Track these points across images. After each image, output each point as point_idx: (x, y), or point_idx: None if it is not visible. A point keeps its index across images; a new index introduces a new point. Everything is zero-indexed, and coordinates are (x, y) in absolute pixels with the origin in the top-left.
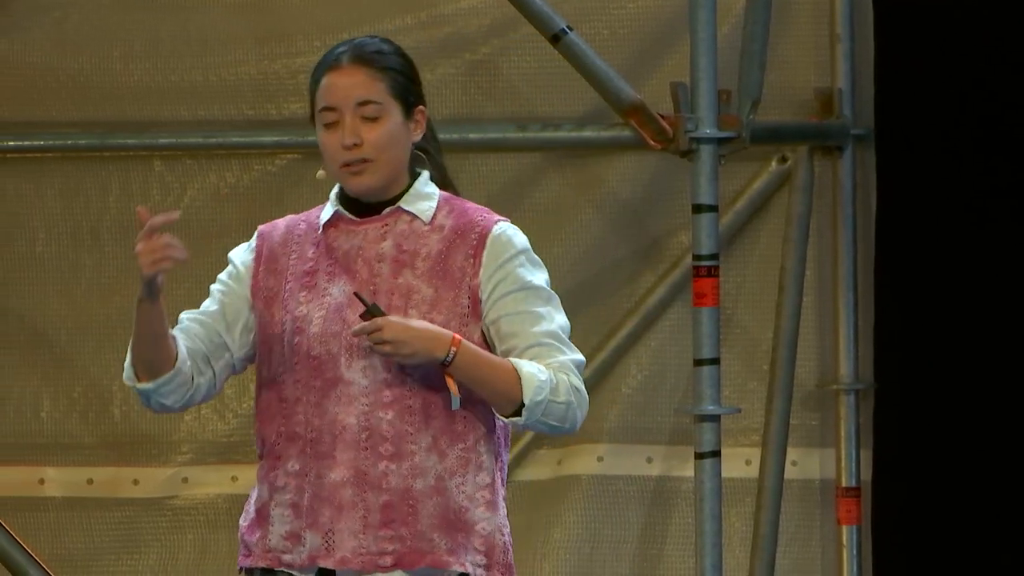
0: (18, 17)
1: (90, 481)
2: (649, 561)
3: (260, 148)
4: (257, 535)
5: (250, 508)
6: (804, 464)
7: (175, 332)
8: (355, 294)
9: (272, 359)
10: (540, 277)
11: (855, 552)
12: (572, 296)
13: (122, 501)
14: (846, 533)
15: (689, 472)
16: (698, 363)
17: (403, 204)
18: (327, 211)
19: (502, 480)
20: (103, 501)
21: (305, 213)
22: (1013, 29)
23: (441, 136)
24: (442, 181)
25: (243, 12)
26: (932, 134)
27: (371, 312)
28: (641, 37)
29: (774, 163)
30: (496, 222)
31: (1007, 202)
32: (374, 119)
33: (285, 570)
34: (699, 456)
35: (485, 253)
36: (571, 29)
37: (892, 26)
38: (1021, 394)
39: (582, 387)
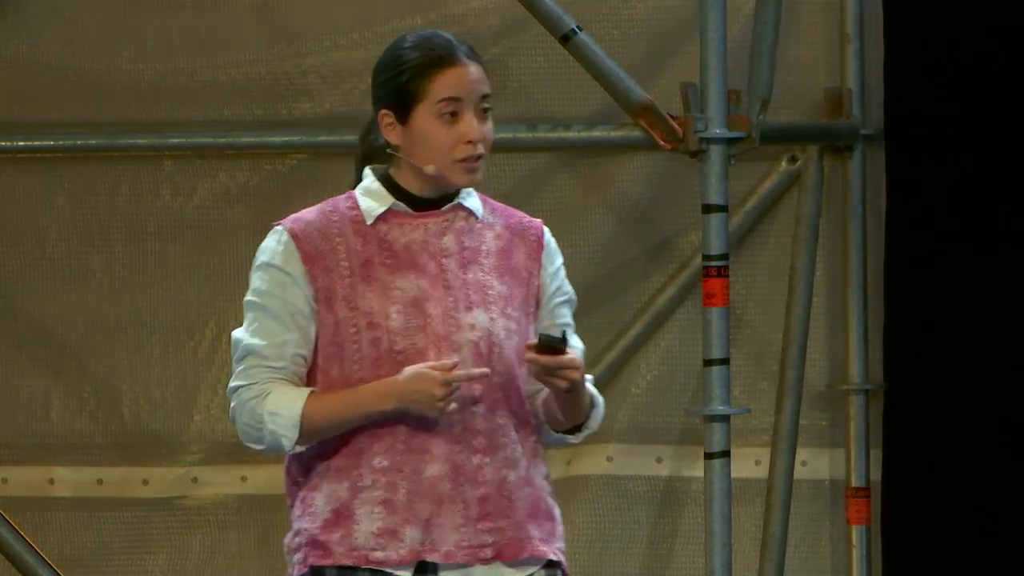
0: (28, 18)
1: (100, 481)
2: (659, 561)
3: (270, 148)
4: (338, 534)
5: (318, 509)
6: (814, 464)
7: (288, 378)
8: (544, 337)
9: (344, 358)
10: None
11: (865, 552)
12: (581, 296)
13: (132, 501)
14: (856, 533)
15: (699, 472)
16: (708, 363)
17: (462, 200)
18: (373, 204)
19: None
20: (113, 501)
21: (328, 203)
22: (1022, 29)
23: None
24: None
25: (253, 12)
26: (942, 134)
27: (555, 346)
28: (651, 37)
29: (784, 163)
30: (542, 224)
31: (1017, 202)
32: (487, 115)
33: (373, 567)
34: (709, 456)
35: (544, 255)
36: (581, 29)
37: (902, 26)
38: None
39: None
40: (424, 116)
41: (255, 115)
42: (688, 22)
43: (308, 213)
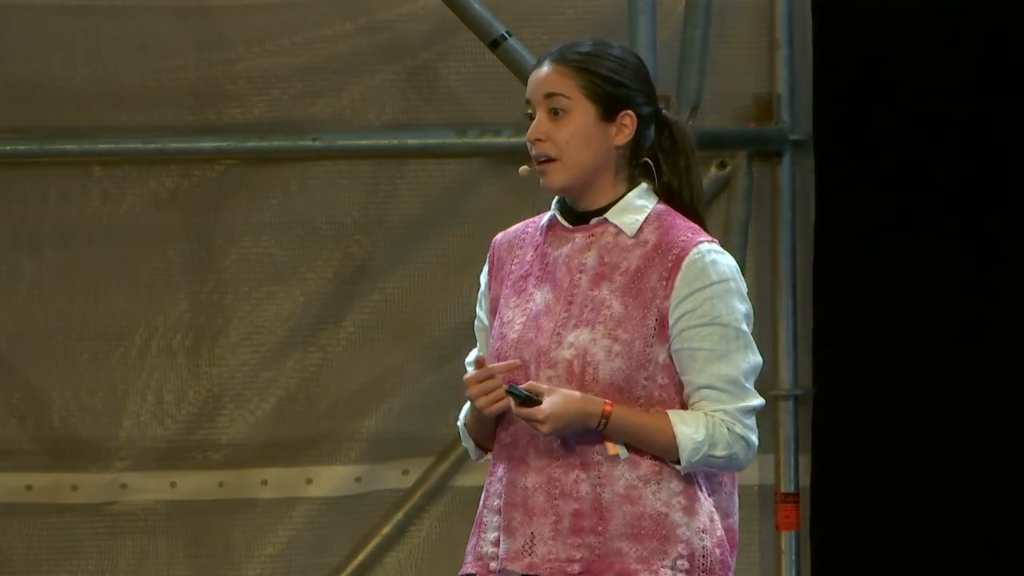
0: None
1: (29, 487)
2: None
3: (200, 154)
4: (473, 542)
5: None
6: (743, 470)
7: None
8: (508, 389)
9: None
10: (734, 311)
11: (794, 558)
12: None
13: (61, 507)
14: (785, 539)
15: None
16: None
17: (608, 216)
18: (548, 215)
19: (706, 485)
20: (42, 507)
21: (541, 215)
22: (949, 35)
23: (380, 142)
24: (668, 192)
25: (183, 18)
26: (870, 140)
27: (528, 400)
28: None
29: (713, 168)
30: (696, 244)
31: (944, 208)
32: (561, 116)
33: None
34: None
35: (678, 277)
36: (510, 35)
37: (830, 32)
38: (959, 399)
39: (749, 434)
40: None
41: (184, 121)
42: (617, 27)
43: (519, 224)
